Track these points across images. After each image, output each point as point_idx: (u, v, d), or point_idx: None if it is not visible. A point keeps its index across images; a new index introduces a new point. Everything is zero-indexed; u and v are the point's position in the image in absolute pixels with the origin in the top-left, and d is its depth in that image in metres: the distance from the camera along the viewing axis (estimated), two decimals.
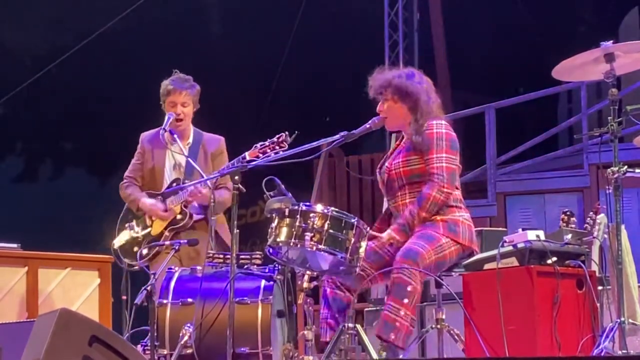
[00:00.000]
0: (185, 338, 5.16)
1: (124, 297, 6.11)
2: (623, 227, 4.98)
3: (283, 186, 4.99)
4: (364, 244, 4.87)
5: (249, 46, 15.33)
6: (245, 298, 5.21)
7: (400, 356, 4.80)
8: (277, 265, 5.32)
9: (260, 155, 5.56)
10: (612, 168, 4.88)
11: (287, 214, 4.82)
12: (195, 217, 6.12)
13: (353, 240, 4.79)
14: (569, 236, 5.26)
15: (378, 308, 7.37)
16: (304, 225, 4.76)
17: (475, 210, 9.38)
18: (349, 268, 4.85)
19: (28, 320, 5.76)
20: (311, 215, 4.78)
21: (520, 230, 5.18)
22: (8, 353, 4.97)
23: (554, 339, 4.74)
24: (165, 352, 5.24)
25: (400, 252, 4.89)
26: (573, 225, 6.42)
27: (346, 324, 4.80)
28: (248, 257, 5.40)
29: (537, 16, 15.10)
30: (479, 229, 6.43)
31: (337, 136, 5.19)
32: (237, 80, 15.29)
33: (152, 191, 6.23)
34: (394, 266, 4.84)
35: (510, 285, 4.81)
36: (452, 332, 5.12)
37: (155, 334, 5.24)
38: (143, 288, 5.25)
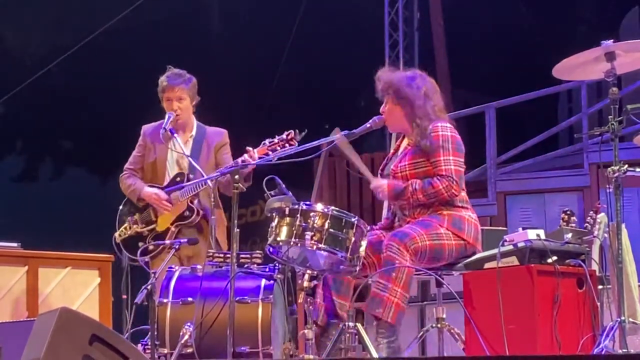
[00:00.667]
0: (186, 337, 5.15)
1: (124, 296, 6.11)
2: (623, 226, 4.99)
3: (283, 185, 4.99)
4: (364, 242, 4.87)
5: (249, 46, 15.32)
6: (245, 297, 5.20)
7: (396, 335, 4.80)
8: (277, 264, 5.32)
9: (270, 152, 5.53)
10: (612, 167, 4.88)
11: (287, 213, 4.83)
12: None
13: (353, 239, 4.79)
14: (569, 235, 5.25)
15: None
16: (304, 224, 4.77)
17: (476, 209, 9.26)
18: (350, 267, 4.86)
19: (28, 319, 5.76)
20: (311, 214, 4.79)
21: (520, 229, 5.18)
22: (8, 352, 4.96)
23: (554, 338, 4.74)
24: (166, 351, 5.23)
25: (392, 233, 4.94)
26: (573, 225, 6.41)
27: (346, 323, 4.80)
28: (248, 256, 5.39)
29: (537, 16, 15.10)
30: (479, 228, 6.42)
31: (337, 135, 5.19)
32: (237, 80, 15.27)
33: (154, 184, 6.19)
34: (384, 246, 4.88)
35: (511, 284, 4.81)
36: (452, 331, 5.12)
37: (156, 333, 5.24)
38: (143, 287, 5.25)
